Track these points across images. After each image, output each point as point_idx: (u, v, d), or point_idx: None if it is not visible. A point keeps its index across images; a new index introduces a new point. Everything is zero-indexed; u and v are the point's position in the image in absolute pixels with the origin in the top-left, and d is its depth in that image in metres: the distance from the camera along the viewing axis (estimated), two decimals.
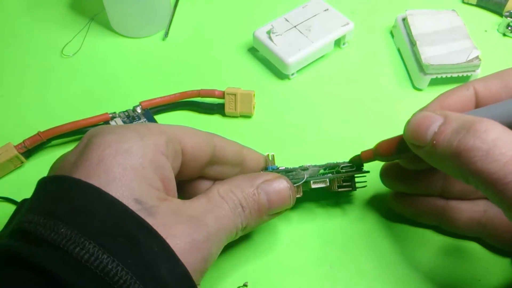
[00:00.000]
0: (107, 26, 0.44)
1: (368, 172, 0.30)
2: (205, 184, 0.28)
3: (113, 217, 0.19)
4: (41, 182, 0.21)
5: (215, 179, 0.28)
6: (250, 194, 0.25)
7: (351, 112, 0.37)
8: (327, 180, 0.29)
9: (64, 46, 0.42)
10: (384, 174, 0.30)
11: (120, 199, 0.20)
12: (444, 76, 0.37)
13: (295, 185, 0.27)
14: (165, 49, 0.42)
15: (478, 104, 0.26)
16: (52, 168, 0.23)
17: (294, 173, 0.28)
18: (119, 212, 0.20)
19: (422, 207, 0.30)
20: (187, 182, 0.28)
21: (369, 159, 0.28)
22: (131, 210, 0.20)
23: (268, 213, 0.26)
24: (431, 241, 0.30)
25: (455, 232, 0.30)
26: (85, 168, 0.20)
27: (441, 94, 0.26)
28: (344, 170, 0.29)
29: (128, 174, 0.21)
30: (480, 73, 0.38)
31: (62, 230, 0.18)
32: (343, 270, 0.29)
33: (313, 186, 0.29)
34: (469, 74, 0.38)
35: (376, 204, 0.32)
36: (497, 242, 0.29)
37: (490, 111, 0.24)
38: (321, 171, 0.29)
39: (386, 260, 0.30)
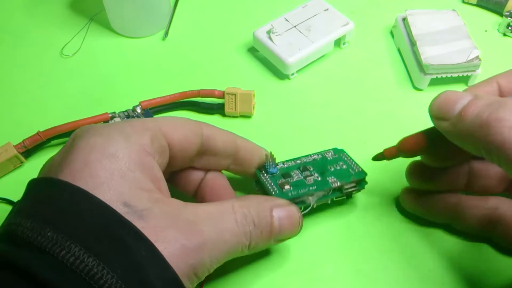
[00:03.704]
0: (107, 26, 0.44)
1: (366, 183, 0.30)
2: (195, 174, 0.28)
3: (100, 220, 0.19)
4: (30, 184, 0.21)
5: (206, 169, 0.28)
6: (264, 215, 0.24)
7: (351, 112, 0.37)
8: (329, 200, 0.29)
9: (64, 46, 0.42)
10: (411, 173, 0.30)
11: (108, 203, 0.20)
12: (444, 76, 0.37)
13: (302, 213, 0.27)
14: (165, 49, 0.42)
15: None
16: (41, 169, 0.23)
17: (301, 199, 0.28)
18: (106, 215, 0.19)
19: (434, 205, 0.29)
20: (177, 172, 0.27)
21: (393, 157, 0.28)
22: (118, 213, 0.19)
23: (276, 237, 0.25)
24: (431, 242, 0.30)
25: (466, 232, 0.30)
26: (71, 170, 0.20)
27: (465, 90, 0.27)
28: (348, 191, 0.29)
29: (115, 179, 0.20)
30: (480, 73, 0.38)
31: (48, 234, 0.18)
32: (344, 271, 0.29)
33: (316, 204, 0.29)
34: (469, 74, 0.38)
35: (377, 205, 0.32)
36: (508, 241, 0.29)
37: None
38: (325, 194, 0.29)
39: (386, 261, 0.29)
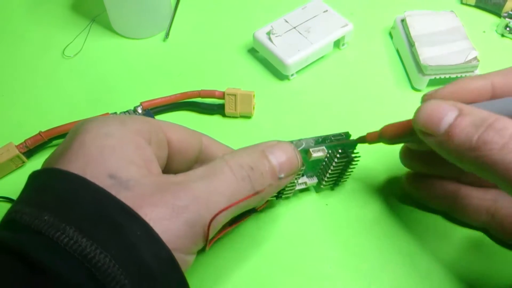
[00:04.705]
0: (108, 27, 0.44)
1: (357, 143, 0.30)
2: None
3: (95, 204, 0.19)
4: (30, 176, 0.22)
5: None
6: (258, 156, 0.24)
7: (350, 113, 0.38)
8: (325, 148, 0.29)
9: (66, 46, 0.42)
10: (404, 154, 0.30)
11: (95, 178, 0.20)
12: (442, 77, 0.38)
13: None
14: (166, 50, 0.42)
15: (494, 96, 0.26)
16: (44, 162, 0.23)
17: (293, 143, 0.28)
18: (100, 197, 0.20)
19: (434, 190, 0.30)
20: None
21: (374, 141, 0.29)
22: (113, 196, 0.20)
23: (279, 175, 0.25)
24: (432, 241, 0.30)
25: (463, 221, 0.30)
26: (68, 156, 0.21)
27: (457, 81, 0.26)
28: (335, 139, 0.30)
29: (105, 154, 0.21)
30: (478, 73, 0.38)
31: (45, 218, 0.19)
32: (343, 270, 0.29)
33: (314, 155, 0.29)
34: (467, 74, 0.38)
35: (376, 204, 0.32)
36: (503, 234, 0.29)
37: (499, 105, 0.24)
38: (315, 142, 0.30)
39: (386, 260, 0.30)
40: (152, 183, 0.21)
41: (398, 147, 0.31)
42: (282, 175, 0.25)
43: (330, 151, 0.30)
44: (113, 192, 0.20)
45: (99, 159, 0.21)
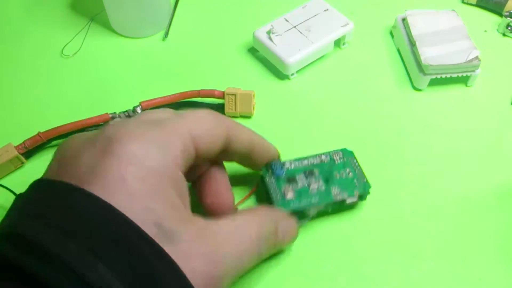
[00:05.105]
0: (107, 26, 0.44)
1: (369, 193, 0.31)
2: (207, 165, 0.28)
3: (135, 248, 0.18)
4: (44, 184, 0.20)
5: (212, 160, 0.28)
6: (273, 230, 0.26)
7: (351, 112, 0.37)
8: (330, 209, 0.30)
9: (64, 46, 0.42)
10: None
11: (142, 223, 0.19)
12: (443, 76, 0.38)
13: (301, 223, 0.29)
14: (165, 49, 0.42)
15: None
16: (61, 154, 0.22)
17: (301, 213, 0.29)
18: (137, 240, 0.19)
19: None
20: None
21: None
22: (154, 241, 0.19)
23: (278, 248, 0.27)
24: (435, 242, 0.30)
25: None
26: (104, 183, 0.19)
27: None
28: (349, 204, 0.30)
29: (149, 196, 0.20)
30: (479, 73, 0.38)
31: (70, 245, 0.17)
32: (344, 270, 0.29)
33: (310, 217, 0.30)
34: (468, 74, 0.38)
35: (376, 204, 0.32)
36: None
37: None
38: (326, 207, 0.30)
39: (387, 261, 0.30)
40: (193, 237, 0.21)
41: None
42: (278, 247, 0.27)
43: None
44: (157, 242, 0.19)
45: (144, 201, 0.19)
